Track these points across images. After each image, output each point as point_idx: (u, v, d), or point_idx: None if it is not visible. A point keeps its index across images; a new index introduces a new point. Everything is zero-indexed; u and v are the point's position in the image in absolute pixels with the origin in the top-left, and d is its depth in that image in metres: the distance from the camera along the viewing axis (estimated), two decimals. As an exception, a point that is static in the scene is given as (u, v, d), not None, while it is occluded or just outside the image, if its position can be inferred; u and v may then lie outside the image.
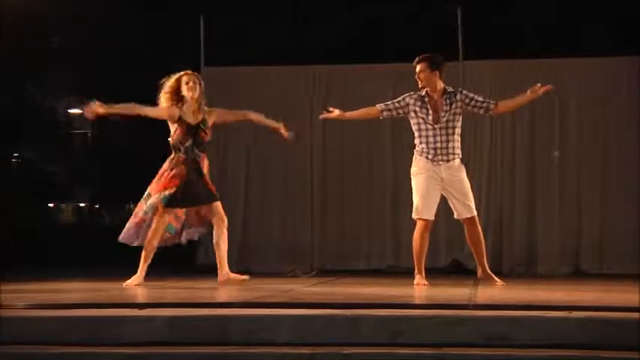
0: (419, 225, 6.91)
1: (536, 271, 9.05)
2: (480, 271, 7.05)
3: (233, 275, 6.94)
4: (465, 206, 6.90)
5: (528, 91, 6.95)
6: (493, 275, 7.00)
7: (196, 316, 4.65)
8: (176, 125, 6.90)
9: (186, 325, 4.56)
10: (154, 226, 6.88)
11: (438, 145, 6.87)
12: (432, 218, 6.92)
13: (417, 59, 6.98)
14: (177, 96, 6.92)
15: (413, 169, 6.96)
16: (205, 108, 7.02)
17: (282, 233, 9.41)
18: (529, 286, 7.02)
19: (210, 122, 7.02)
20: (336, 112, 7.13)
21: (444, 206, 7.11)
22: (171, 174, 6.85)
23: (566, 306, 4.79)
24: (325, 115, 7.23)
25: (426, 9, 9.37)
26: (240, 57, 9.68)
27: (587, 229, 9.09)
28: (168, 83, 6.93)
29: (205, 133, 6.96)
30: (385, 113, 7.09)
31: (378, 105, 7.13)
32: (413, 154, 7.08)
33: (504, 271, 9.06)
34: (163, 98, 6.93)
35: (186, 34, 9.78)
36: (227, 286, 6.77)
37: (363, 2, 9.51)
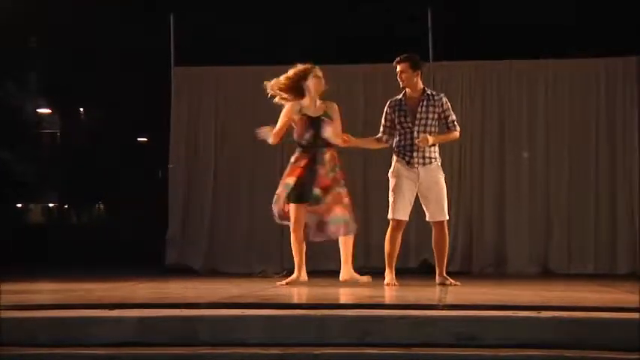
0: (392, 225, 6.92)
1: (505, 271, 9.11)
2: (439, 274, 7.04)
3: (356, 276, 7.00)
4: (439, 209, 6.90)
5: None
6: (448, 277, 7.01)
7: (166, 316, 4.63)
8: (296, 120, 6.89)
9: (156, 325, 4.53)
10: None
11: (416, 147, 6.84)
12: (406, 219, 6.94)
13: (398, 59, 6.92)
14: (297, 90, 6.91)
15: (391, 170, 6.94)
16: (320, 101, 6.95)
17: (252, 233, 9.38)
18: (498, 286, 7.06)
19: (332, 114, 6.93)
20: (344, 138, 6.96)
21: (415, 207, 7.12)
22: (295, 165, 6.87)
23: (535, 306, 4.83)
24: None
25: (398, 10, 9.40)
26: (211, 57, 9.64)
27: (555, 230, 9.18)
28: (291, 76, 6.90)
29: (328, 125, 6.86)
30: (387, 138, 7.01)
31: (377, 137, 7.05)
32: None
33: (474, 270, 9.14)
34: (284, 93, 6.94)
35: (158, 33, 9.73)
36: (198, 287, 6.75)
37: (333, 3, 9.52)
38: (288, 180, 6.87)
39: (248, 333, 4.46)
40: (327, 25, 9.50)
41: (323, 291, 6.27)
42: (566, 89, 9.26)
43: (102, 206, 28.19)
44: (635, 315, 4.56)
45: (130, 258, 9.90)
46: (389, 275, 6.91)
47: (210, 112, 9.64)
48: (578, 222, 9.14)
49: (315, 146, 6.86)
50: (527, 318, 4.50)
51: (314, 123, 6.84)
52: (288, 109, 6.93)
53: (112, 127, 20.28)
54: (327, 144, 6.89)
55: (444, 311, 4.69)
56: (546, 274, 8.99)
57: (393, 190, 6.89)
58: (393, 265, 6.96)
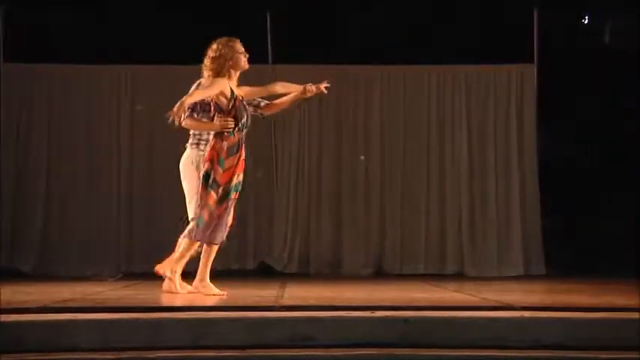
0: None
1: (341, 272, 9.28)
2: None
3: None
4: None
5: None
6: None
7: (-8, 322, 4.44)
8: (227, 100, 5.90)
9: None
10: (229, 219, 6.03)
11: None
12: None
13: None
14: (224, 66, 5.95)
15: None
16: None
17: (87, 234, 9.15)
18: (334, 287, 7.17)
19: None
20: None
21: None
22: (238, 156, 5.93)
23: (369, 306, 4.94)
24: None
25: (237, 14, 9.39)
26: (45, 54, 9.31)
27: (389, 232, 9.42)
28: (225, 50, 5.93)
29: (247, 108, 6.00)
30: None
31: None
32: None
33: (311, 272, 9.26)
34: (214, 69, 5.92)
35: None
36: (28, 290, 6.50)
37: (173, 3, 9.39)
38: (236, 178, 5.96)
39: (80, 338, 4.33)
40: (160, 24, 9.34)
41: (160, 294, 6.17)
42: (400, 94, 9.54)
43: None
44: (462, 313, 4.76)
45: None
46: None
47: (42, 110, 9.33)
48: (410, 224, 9.42)
49: (244, 130, 6.02)
50: (361, 318, 4.59)
51: (244, 105, 6.00)
52: (221, 83, 5.91)
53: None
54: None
55: (280, 312, 4.72)
56: (380, 274, 9.22)
57: None
58: None
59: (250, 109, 6.13)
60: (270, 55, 9.33)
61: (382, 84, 9.57)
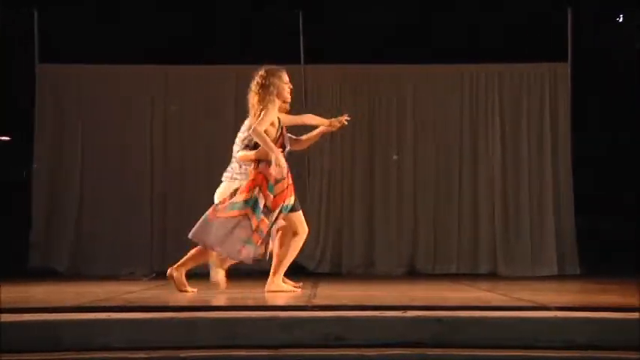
0: None
1: (373, 271, 9.27)
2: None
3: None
4: None
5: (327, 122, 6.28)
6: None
7: (28, 321, 4.48)
8: (276, 128, 6.04)
9: (16, 330, 4.37)
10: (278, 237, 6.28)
11: None
12: None
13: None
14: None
15: None
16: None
17: (120, 234, 9.21)
18: (367, 286, 7.16)
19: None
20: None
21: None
22: (286, 180, 6.04)
23: (401, 306, 4.91)
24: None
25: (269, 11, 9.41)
26: (79, 54, 9.38)
27: (421, 231, 9.40)
28: (273, 80, 6.06)
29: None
30: None
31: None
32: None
33: (343, 272, 9.26)
34: (262, 98, 6.04)
35: (22, 28, 9.40)
36: (62, 290, 6.55)
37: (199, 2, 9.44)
38: (287, 202, 6.10)
39: (113, 337, 4.36)
40: (192, 23, 9.38)
41: (192, 294, 6.19)
42: (433, 94, 9.51)
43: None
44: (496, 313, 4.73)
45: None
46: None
47: (75, 110, 9.41)
48: (442, 224, 9.39)
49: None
50: (394, 317, 4.57)
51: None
52: (275, 112, 6.07)
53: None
54: None
55: (312, 312, 4.71)
56: (413, 274, 9.20)
57: None
58: None
59: None
60: (302, 55, 9.33)
61: (415, 83, 9.54)
